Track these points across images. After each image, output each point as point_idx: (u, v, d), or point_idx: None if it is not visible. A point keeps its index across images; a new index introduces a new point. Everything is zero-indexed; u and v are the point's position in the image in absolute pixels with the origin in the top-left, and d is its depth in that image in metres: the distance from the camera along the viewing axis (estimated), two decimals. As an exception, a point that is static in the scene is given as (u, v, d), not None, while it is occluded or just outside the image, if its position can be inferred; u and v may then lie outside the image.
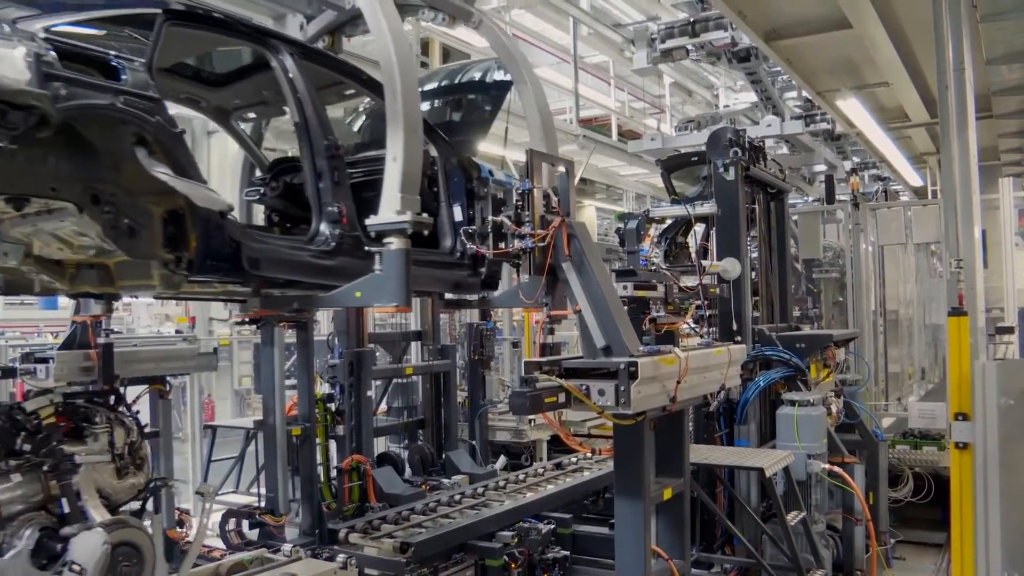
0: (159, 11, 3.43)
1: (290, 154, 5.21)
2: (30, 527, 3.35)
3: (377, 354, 7.89)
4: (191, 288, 3.71)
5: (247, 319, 6.40)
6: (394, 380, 8.31)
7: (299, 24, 5.81)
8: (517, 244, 4.14)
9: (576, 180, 6.90)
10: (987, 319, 6.80)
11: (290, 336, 6.76)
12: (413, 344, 8.85)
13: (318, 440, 6.66)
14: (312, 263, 3.87)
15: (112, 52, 3.18)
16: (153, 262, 3.38)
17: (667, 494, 4.63)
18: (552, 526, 6.02)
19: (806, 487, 6.17)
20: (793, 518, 5.76)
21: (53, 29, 3.01)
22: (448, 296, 5.53)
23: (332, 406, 6.92)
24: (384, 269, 3.72)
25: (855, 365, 9.22)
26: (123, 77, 3.11)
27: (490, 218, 4.16)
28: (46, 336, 14.77)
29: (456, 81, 5.59)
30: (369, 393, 7.16)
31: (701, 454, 5.85)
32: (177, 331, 10.00)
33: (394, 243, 3.74)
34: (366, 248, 3.92)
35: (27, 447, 3.50)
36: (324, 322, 11.47)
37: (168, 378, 7.12)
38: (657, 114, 16.47)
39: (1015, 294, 11.02)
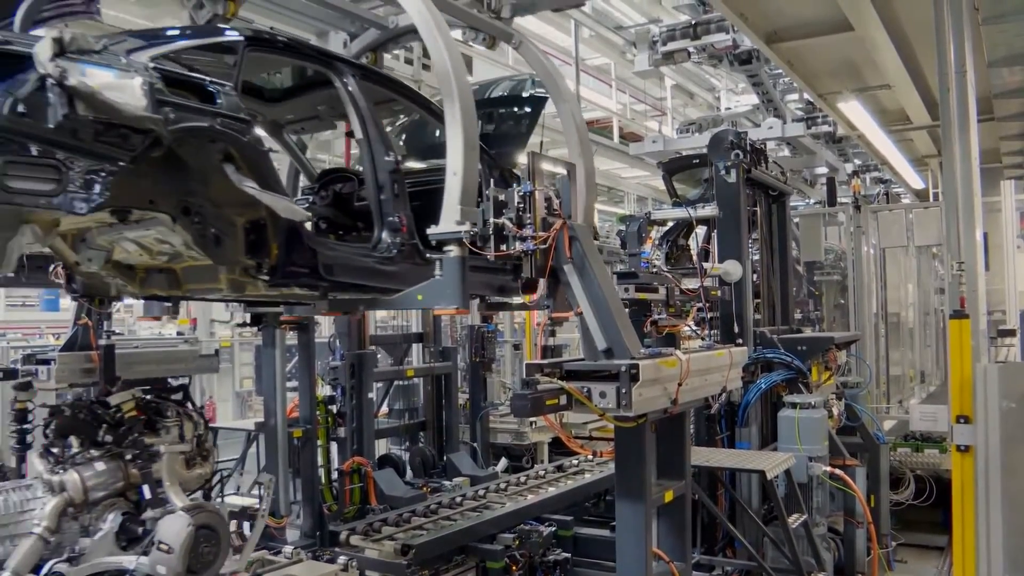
0: (241, 39, 3.78)
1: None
2: (113, 511, 3.67)
3: (378, 356, 7.89)
4: (256, 291, 3.91)
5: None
6: (395, 382, 8.32)
7: (343, 41, 6.12)
8: (519, 246, 4.14)
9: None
10: (989, 322, 6.80)
11: (291, 338, 6.76)
12: (414, 346, 8.86)
13: (319, 442, 6.67)
14: (376, 268, 4.10)
15: (207, 78, 3.47)
16: (221, 268, 3.63)
17: (668, 496, 4.63)
18: (553, 528, 6.01)
19: (807, 490, 6.17)
20: (794, 521, 5.75)
21: (157, 58, 3.32)
22: (492, 299, 5.78)
23: (333, 408, 6.93)
24: (444, 274, 3.92)
25: (856, 367, 9.22)
26: (218, 101, 3.39)
27: (491, 220, 4.16)
28: (48, 338, 14.76)
29: (491, 96, 5.81)
30: (370, 395, 7.16)
31: (702, 456, 5.85)
32: (178, 333, 10.00)
33: (453, 251, 3.94)
34: (426, 255, 4.17)
35: (109, 438, 3.81)
36: (325, 324, 11.48)
37: (169, 380, 7.12)
38: (658, 116, 16.48)
39: (1016, 297, 11.02)
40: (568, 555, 5.96)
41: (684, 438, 4.95)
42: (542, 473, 7.61)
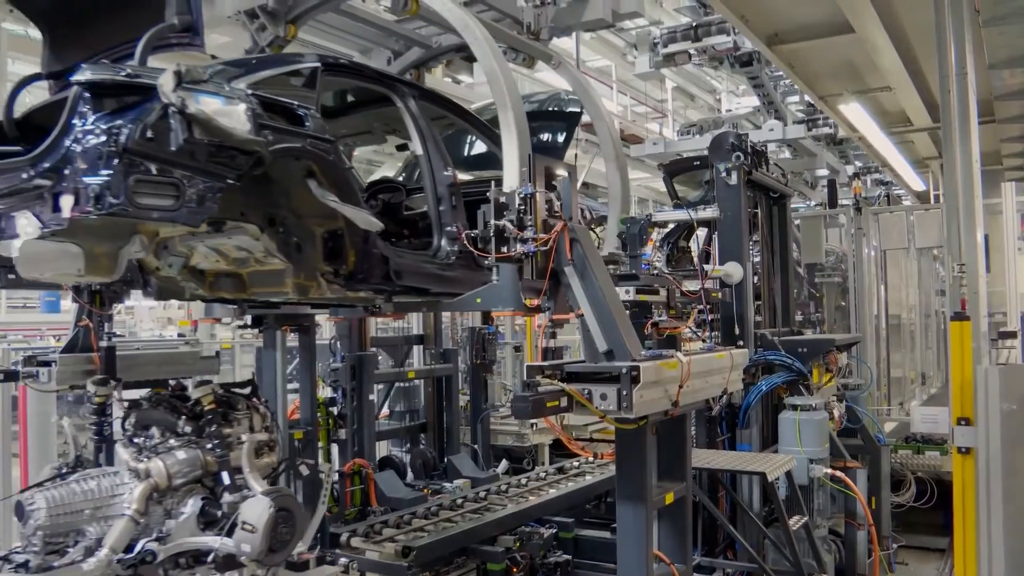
0: (319, 65, 4.15)
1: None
2: (192, 496, 3.95)
3: (379, 358, 7.89)
4: (319, 293, 4.21)
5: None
6: (396, 384, 8.31)
7: (387, 59, 6.40)
8: (519, 248, 4.15)
9: (579, 184, 7.26)
10: (989, 324, 6.79)
11: (292, 340, 6.75)
12: (415, 348, 8.85)
13: (320, 444, 6.66)
14: (437, 274, 4.38)
15: (295, 102, 3.78)
16: (290, 272, 4.00)
17: (669, 498, 4.63)
18: (554, 530, 6.01)
19: (808, 492, 6.17)
20: (795, 523, 5.75)
21: (253, 85, 3.66)
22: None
23: (334, 410, 6.92)
24: (501, 279, 4.16)
25: (857, 370, 9.22)
26: (307, 124, 3.70)
27: (492, 222, 4.18)
28: (48, 339, 14.76)
29: (528, 111, 6.00)
30: (371, 397, 7.16)
31: (703, 458, 5.84)
32: (179, 335, 10.01)
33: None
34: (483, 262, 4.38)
35: (188, 429, 4.12)
36: (326, 326, 11.48)
37: (170, 381, 7.12)
38: (659, 118, 16.50)
39: (1017, 299, 11.01)
40: (569, 557, 5.96)
41: (685, 440, 4.95)
42: (543, 475, 7.60)
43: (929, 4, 5.41)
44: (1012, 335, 9.82)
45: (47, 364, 6.22)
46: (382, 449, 8.05)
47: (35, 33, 10.41)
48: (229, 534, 3.76)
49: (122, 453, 4.06)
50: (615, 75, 14.92)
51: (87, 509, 3.76)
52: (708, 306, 6.00)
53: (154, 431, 4.19)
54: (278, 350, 6.48)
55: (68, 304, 8.36)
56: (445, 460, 8.05)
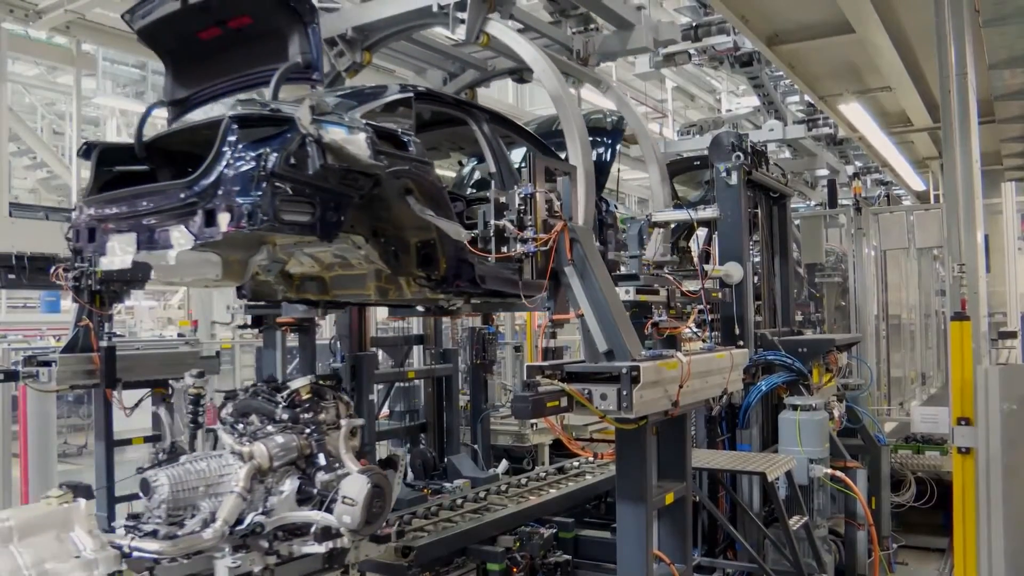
0: (412, 95, 4.58)
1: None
2: (290, 476, 4.35)
3: (379, 358, 7.89)
4: (397, 295, 4.69)
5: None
6: (396, 384, 8.31)
7: (442, 79, 6.83)
8: (519, 248, 4.15)
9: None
10: (989, 324, 6.79)
11: (292, 340, 6.76)
12: (415, 348, 8.86)
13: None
14: (511, 279, 4.57)
15: (399, 128, 4.26)
16: (368, 277, 4.61)
17: (669, 498, 4.63)
18: (554, 530, 6.01)
19: (808, 492, 6.17)
20: (795, 523, 5.75)
21: (364, 115, 4.14)
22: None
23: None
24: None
25: (857, 370, 9.22)
26: (410, 148, 4.18)
27: (492, 222, 4.20)
28: (48, 339, 14.77)
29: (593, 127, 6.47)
30: (371, 397, 7.16)
31: (703, 458, 5.85)
32: (179, 334, 10.01)
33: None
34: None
35: (285, 416, 4.54)
36: (326, 326, 11.48)
37: (170, 381, 7.12)
38: (659, 118, 16.49)
39: (1018, 299, 11.02)
40: (569, 557, 5.96)
41: (685, 440, 4.96)
42: (543, 475, 7.60)
43: (929, 4, 5.40)
44: (1012, 335, 9.82)
45: (47, 364, 6.23)
46: (382, 449, 8.06)
47: (35, 33, 10.43)
48: (326, 509, 4.21)
49: (225, 438, 4.46)
50: (615, 75, 14.89)
51: (200, 487, 4.18)
52: (708, 306, 6.00)
53: (253, 418, 4.64)
54: (278, 350, 6.49)
55: (68, 304, 8.36)
56: (445, 460, 8.05)
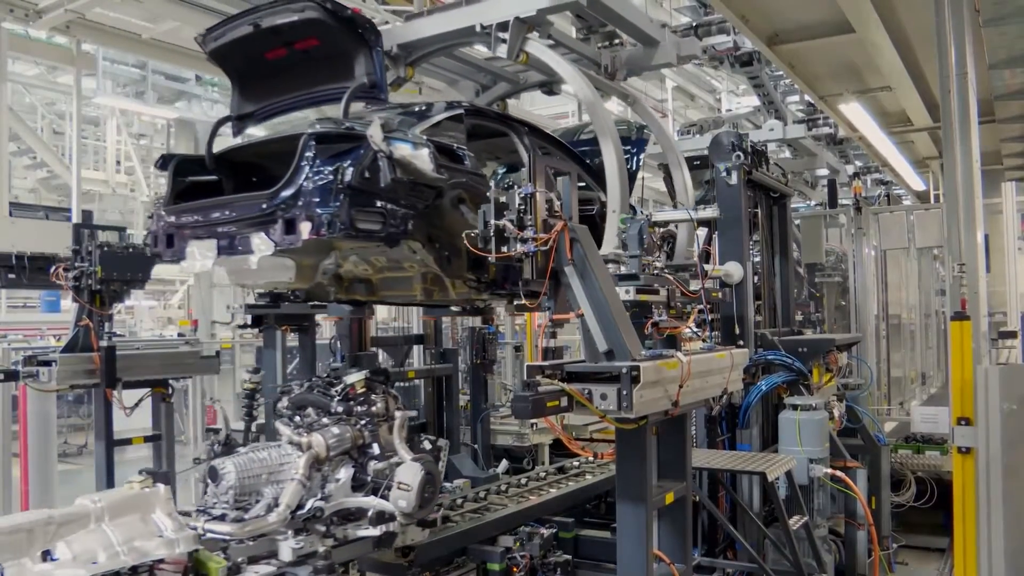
0: (463, 111, 4.95)
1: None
2: (344, 465, 4.66)
3: (379, 358, 7.89)
4: (442, 296, 4.95)
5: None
6: (396, 384, 8.31)
7: (474, 91, 7.10)
8: (519, 248, 4.15)
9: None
10: (990, 324, 6.79)
11: (292, 340, 6.76)
12: (415, 348, 8.85)
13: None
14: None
15: (455, 143, 4.60)
16: (415, 279, 4.89)
17: (669, 498, 4.63)
18: (554, 530, 6.00)
19: (808, 491, 6.17)
20: (795, 522, 5.75)
21: (424, 131, 4.47)
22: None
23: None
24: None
25: (857, 369, 9.22)
26: (465, 162, 4.51)
27: (492, 221, 4.19)
28: (48, 339, 14.78)
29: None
30: (371, 397, 7.15)
31: (703, 458, 5.84)
32: (180, 334, 10.01)
33: (611, 268, 4.64)
34: None
35: (339, 408, 4.83)
36: (326, 326, 11.48)
37: (170, 381, 7.12)
38: (660, 118, 16.46)
39: (1018, 298, 11.02)
40: (569, 557, 5.96)
41: (685, 440, 4.95)
42: (543, 475, 7.59)
43: (929, 4, 5.41)
44: (1012, 335, 9.82)
45: (47, 364, 6.24)
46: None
47: (35, 33, 10.42)
48: (380, 495, 4.54)
49: (283, 429, 4.75)
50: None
51: (263, 474, 4.49)
52: (708, 306, 6.00)
53: (310, 411, 4.92)
54: (278, 350, 6.50)
55: (68, 304, 8.37)
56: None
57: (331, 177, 3.97)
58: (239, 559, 4.23)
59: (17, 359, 6.63)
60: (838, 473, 6.36)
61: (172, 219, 4.63)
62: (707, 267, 6.33)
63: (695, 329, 6.08)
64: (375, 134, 4.00)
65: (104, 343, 6.37)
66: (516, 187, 4.23)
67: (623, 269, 4.64)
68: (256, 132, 6.25)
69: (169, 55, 10.45)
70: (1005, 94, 7.89)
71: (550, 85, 6.93)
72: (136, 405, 6.91)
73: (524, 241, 4.13)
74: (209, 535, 4.18)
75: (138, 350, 7.07)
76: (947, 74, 5.21)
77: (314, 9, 4.44)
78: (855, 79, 8.49)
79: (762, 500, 6.23)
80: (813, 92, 8.87)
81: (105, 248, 6.47)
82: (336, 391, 4.94)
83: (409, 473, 4.51)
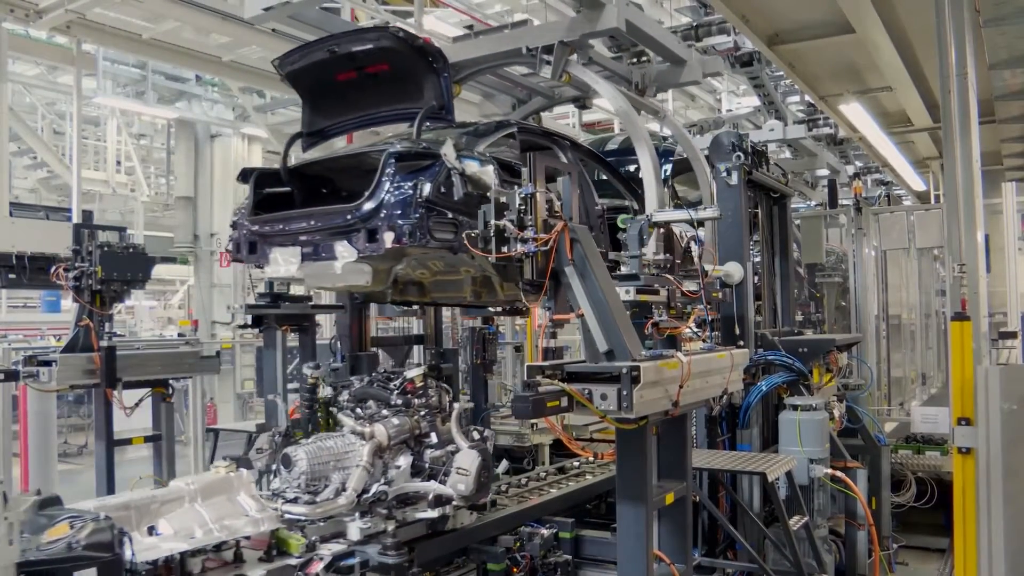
0: (516, 128, 5.44)
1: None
2: (403, 453, 5.11)
3: (379, 358, 7.88)
4: (490, 298, 5.31)
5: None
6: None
7: (511, 104, 7.61)
8: (520, 248, 4.15)
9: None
10: (990, 324, 6.79)
11: (292, 340, 6.76)
12: (415, 348, 8.84)
13: (320, 444, 6.65)
14: None
15: (513, 159, 4.96)
16: (465, 281, 5.36)
17: (669, 498, 4.63)
18: (554, 530, 6.00)
19: (808, 492, 6.16)
20: (796, 523, 5.75)
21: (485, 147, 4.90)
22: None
23: (334, 410, 6.91)
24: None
25: (858, 370, 9.22)
26: (521, 175, 4.60)
27: (492, 222, 4.20)
28: (48, 339, 14.78)
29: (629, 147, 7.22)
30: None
31: (703, 458, 5.84)
32: (180, 334, 10.01)
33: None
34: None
35: (399, 401, 5.29)
36: (327, 326, 11.48)
37: (171, 381, 7.12)
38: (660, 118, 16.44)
39: (1018, 299, 11.01)
40: (569, 557, 5.96)
41: (685, 440, 4.95)
42: (543, 475, 7.59)
43: (929, 4, 5.40)
44: (1012, 335, 9.82)
45: (47, 364, 6.23)
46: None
47: (35, 33, 10.42)
48: (439, 480, 4.97)
49: (346, 420, 5.18)
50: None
51: (331, 461, 4.86)
52: (708, 306, 6.00)
53: (371, 403, 5.39)
54: (278, 349, 6.49)
55: (68, 304, 8.37)
56: (445, 460, 8.04)
57: (411, 191, 4.36)
58: (313, 538, 4.52)
59: (17, 359, 6.63)
60: (838, 473, 6.35)
61: (256, 228, 5.05)
62: (707, 267, 6.34)
63: (695, 329, 6.09)
64: (449, 153, 4.38)
65: (104, 343, 6.37)
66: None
67: (623, 270, 4.65)
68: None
69: (169, 55, 10.47)
70: (1005, 94, 7.89)
71: (582, 100, 7.47)
72: (136, 405, 6.91)
73: (524, 241, 4.13)
74: (287, 516, 4.54)
75: (138, 350, 7.07)
76: (947, 74, 5.20)
77: (389, 39, 4.85)
78: (855, 79, 8.49)
79: (762, 500, 6.23)
80: (813, 92, 8.87)
81: (105, 248, 6.47)
82: (395, 385, 5.41)
83: (467, 459, 4.96)
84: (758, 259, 7.46)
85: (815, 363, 6.94)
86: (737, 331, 6.55)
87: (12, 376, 6.53)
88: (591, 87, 6.53)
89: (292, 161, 5.55)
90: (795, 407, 6.32)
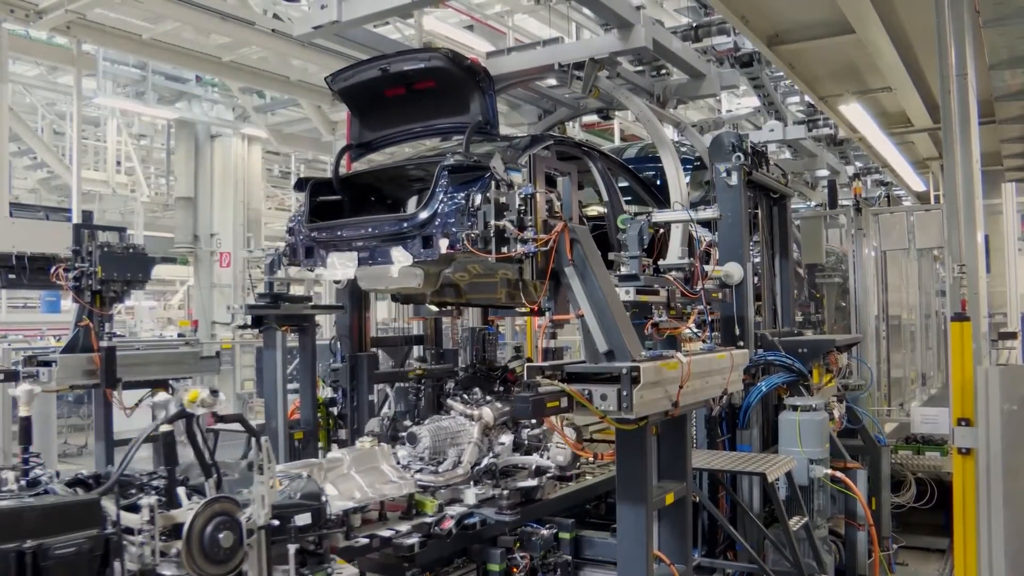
0: (552, 141, 5.70)
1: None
2: (505, 432, 5.79)
3: (379, 358, 7.88)
4: (529, 299, 5.34)
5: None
6: (396, 384, 8.30)
7: (537, 115, 7.94)
8: (520, 248, 4.15)
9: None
10: (990, 324, 6.79)
11: (292, 340, 6.76)
12: (415, 348, 8.84)
13: (320, 444, 6.65)
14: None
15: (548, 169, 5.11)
16: (500, 283, 5.59)
17: (669, 499, 4.63)
18: (554, 531, 6.00)
19: (808, 492, 6.17)
20: (795, 523, 5.75)
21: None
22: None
23: (334, 410, 6.91)
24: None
25: (857, 370, 9.22)
26: (558, 184, 4.92)
27: (492, 222, 4.21)
28: (48, 339, 14.78)
29: (652, 155, 7.62)
30: (371, 397, 7.15)
31: (703, 459, 5.84)
32: (180, 335, 10.02)
33: (674, 274, 5.00)
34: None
35: (500, 388, 6.34)
36: (326, 326, 11.48)
37: (171, 381, 7.11)
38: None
39: (1018, 299, 11.02)
40: (569, 557, 5.96)
41: (685, 440, 4.95)
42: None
43: (929, 5, 5.40)
44: (1012, 336, 9.81)
45: (47, 364, 6.23)
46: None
47: (35, 33, 10.42)
48: (542, 456, 5.72)
49: (455, 405, 5.85)
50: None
51: (447, 439, 5.59)
52: (708, 306, 6.00)
53: (476, 390, 6.23)
54: (278, 350, 6.49)
55: (68, 304, 8.37)
56: (445, 460, 8.04)
57: (463, 202, 4.58)
58: (439, 502, 5.19)
59: (17, 359, 6.62)
60: (838, 474, 6.36)
61: (313, 234, 5.38)
62: (707, 268, 6.34)
63: (695, 330, 6.09)
64: (498, 165, 4.58)
65: (104, 343, 6.36)
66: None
67: (623, 270, 4.65)
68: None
69: (169, 55, 10.47)
70: (1005, 95, 7.90)
71: (605, 111, 7.86)
72: (136, 405, 6.90)
73: (524, 242, 4.14)
74: (418, 483, 5.22)
75: (138, 350, 7.07)
76: (947, 75, 5.20)
77: (439, 59, 5.21)
78: (855, 80, 8.49)
79: (762, 501, 6.23)
80: (813, 93, 8.87)
81: (105, 248, 6.46)
82: (496, 374, 6.49)
83: (559, 452, 5.67)
84: (758, 259, 7.46)
85: (815, 364, 6.94)
86: (737, 332, 6.55)
87: (12, 376, 6.52)
88: (615, 99, 6.99)
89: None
90: (795, 408, 6.33)
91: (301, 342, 6.72)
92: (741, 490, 6.19)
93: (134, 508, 3.30)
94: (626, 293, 4.43)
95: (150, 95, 13.57)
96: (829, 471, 6.25)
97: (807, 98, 10.03)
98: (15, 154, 17.33)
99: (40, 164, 17.92)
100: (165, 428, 3.62)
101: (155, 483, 3.74)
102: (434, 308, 7.16)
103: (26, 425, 4.24)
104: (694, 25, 8.96)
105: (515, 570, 5.54)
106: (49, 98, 17.02)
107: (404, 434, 5.72)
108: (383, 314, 15.85)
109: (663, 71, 7.65)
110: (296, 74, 11.39)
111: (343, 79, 5.62)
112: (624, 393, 3.80)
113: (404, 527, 4.83)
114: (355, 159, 6.19)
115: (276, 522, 3.66)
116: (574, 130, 12.15)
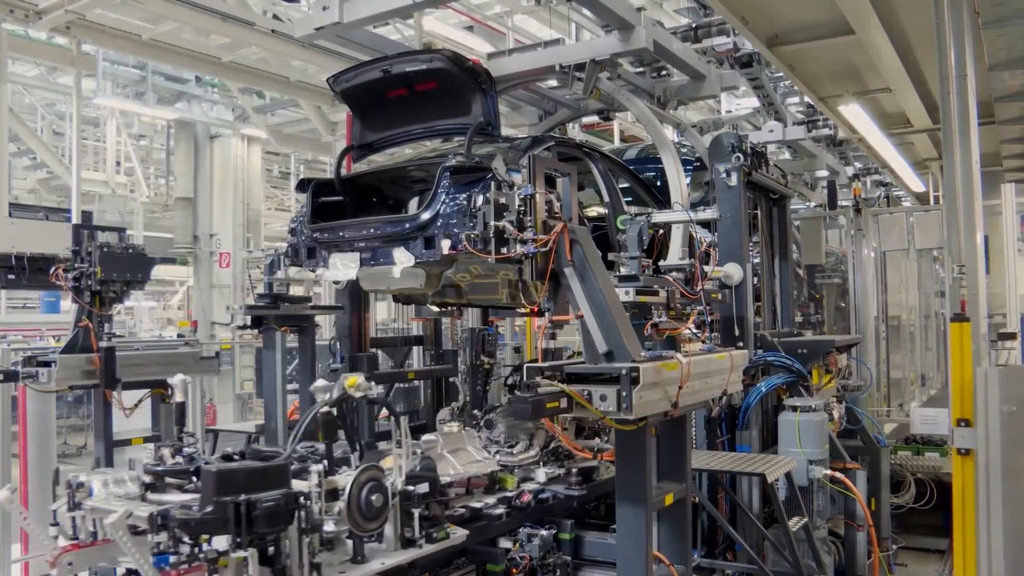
0: (554, 143, 5.77)
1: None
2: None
3: (379, 358, 7.88)
4: (530, 299, 5.38)
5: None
6: (396, 384, 8.30)
7: (538, 116, 7.99)
8: (519, 249, 4.15)
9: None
10: (989, 325, 6.79)
11: (292, 340, 6.76)
12: (415, 348, 8.84)
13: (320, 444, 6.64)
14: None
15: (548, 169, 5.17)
16: (501, 284, 5.72)
17: (669, 500, 4.63)
18: (554, 531, 6.00)
19: (808, 493, 6.17)
20: (795, 524, 5.75)
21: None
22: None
23: (334, 410, 6.90)
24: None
25: (857, 371, 9.22)
26: (558, 185, 4.85)
27: (492, 223, 4.21)
28: (48, 339, 14.77)
29: (652, 155, 7.71)
30: (371, 397, 7.14)
31: (703, 460, 5.85)
32: (179, 335, 10.01)
33: (675, 275, 5.05)
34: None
35: None
36: (326, 326, 11.48)
37: (170, 382, 7.10)
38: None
39: (1017, 300, 11.02)
40: (569, 558, 5.96)
41: (684, 441, 4.95)
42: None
43: (929, 5, 5.40)
44: (1012, 336, 9.81)
45: (47, 364, 6.22)
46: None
47: (35, 33, 10.41)
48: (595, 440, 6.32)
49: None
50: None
51: (519, 424, 5.99)
52: (708, 307, 6.00)
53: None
54: (278, 350, 6.49)
55: (68, 304, 8.37)
56: (445, 461, 8.04)
57: (465, 203, 4.63)
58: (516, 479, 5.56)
59: (17, 360, 6.62)
60: (838, 475, 6.36)
61: (316, 234, 5.40)
62: (707, 268, 6.34)
63: (695, 330, 6.09)
64: (499, 167, 4.59)
65: (104, 344, 6.36)
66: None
67: (623, 270, 4.64)
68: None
69: (169, 56, 10.46)
70: (1005, 96, 7.89)
71: (606, 112, 7.92)
72: (136, 406, 6.90)
73: (524, 242, 4.14)
74: (499, 462, 5.61)
75: (138, 351, 7.07)
76: (947, 76, 5.20)
77: (441, 60, 5.23)
78: (855, 81, 8.49)
79: (762, 501, 6.23)
80: (813, 93, 8.87)
81: (105, 249, 6.46)
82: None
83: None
84: (757, 260, 7.46)
85: (814, 364, 6.95)
86: (736, 332, 6.56)
87: (11, 377, 6.52)
88: (616, 100, 7.02)
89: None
90: (794, 408, 6.33)
91: (301, 343, 6.72)
92: (741, 491, 6.20)
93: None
94: (626, 294, 4.43)
95: (150, 95, 13.56)
96: (828, 472, 6.25)
97: (807, 99, 10.03)
98: (15, 154, 17.33)
99: (40, 164, 17.92)
100: (326, 409, 4.13)
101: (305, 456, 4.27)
102: (435, 309, 7.14)
103: (181, 410, 4.67)
104: (694, 26, 8.96)
105: (515, 571, 5.54)
106: (49, 98, 17.01)
107: (482, 420, 6.16)
108: (383, 315, 15.84)
109: (663, 72, 7.69)
110: (296, 75, 11.38)
111: (345, 80, 5.64)
112: (624, 394, 3.80)
113: (490, 500, 5.27)
114: (356, 160, 6.22)
115: (411, 488, 4.10)
116: (574, 131, 12.16)
